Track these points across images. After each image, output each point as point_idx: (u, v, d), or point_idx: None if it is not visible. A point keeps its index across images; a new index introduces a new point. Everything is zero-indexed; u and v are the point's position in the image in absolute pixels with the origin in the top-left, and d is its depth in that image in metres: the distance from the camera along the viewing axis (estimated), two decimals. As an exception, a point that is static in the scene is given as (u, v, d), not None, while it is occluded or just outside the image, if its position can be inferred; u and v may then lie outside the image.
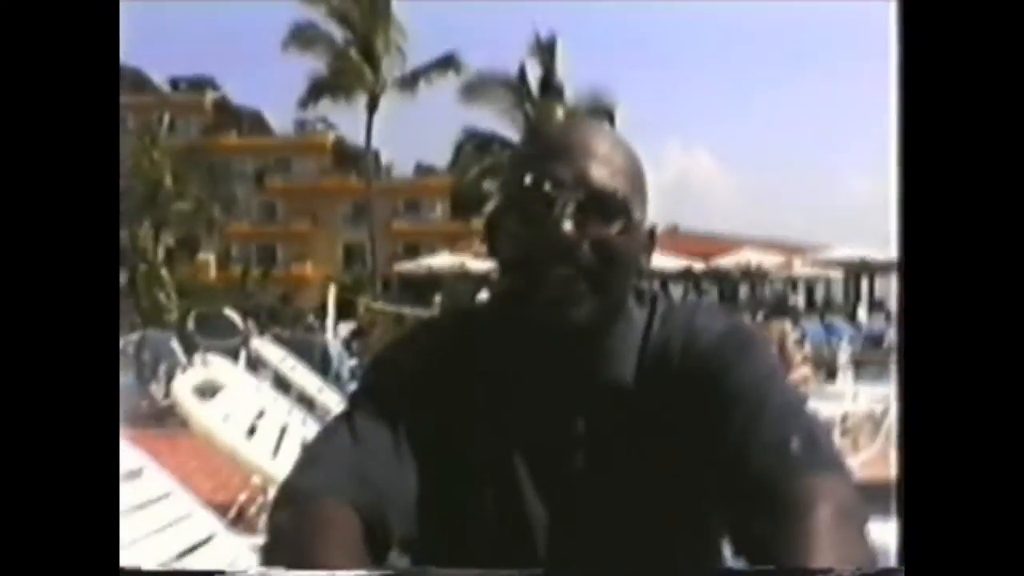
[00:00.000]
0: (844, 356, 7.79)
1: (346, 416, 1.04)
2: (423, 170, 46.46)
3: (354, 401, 1.07)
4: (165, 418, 6.77)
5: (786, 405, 1.00)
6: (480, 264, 19.26)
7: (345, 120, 40.38)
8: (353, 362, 10.54)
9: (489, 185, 29.10)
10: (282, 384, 6.68)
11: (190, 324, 11.13)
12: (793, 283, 27.32)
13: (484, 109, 31.05)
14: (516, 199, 1.01)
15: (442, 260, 23.90)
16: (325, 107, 32.03)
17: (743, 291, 27.15)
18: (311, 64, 30.41)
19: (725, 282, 25.97)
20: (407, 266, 26.41)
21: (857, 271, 23.67)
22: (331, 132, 45.34)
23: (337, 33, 30.47)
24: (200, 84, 47.20)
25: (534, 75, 31.26)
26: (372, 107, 30.34)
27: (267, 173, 45.78)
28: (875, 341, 14.44)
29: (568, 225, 0.97)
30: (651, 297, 1.12)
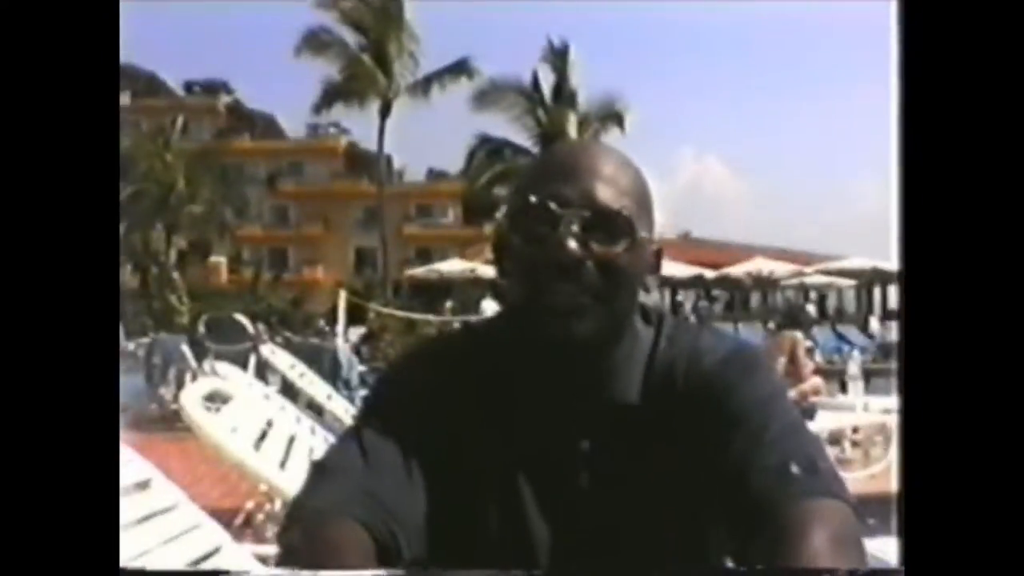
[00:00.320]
0: (855, 367, 7.76)
1: (355, 432, 1.05)
2: (435, 175, 46.58)
3: (363, 417, 1.08)
4: (174, 422, 6.79)
5: (787, 428, 1.00)
6: (491, 270, 19.30)
7: (357, 125, 40.43)
8: (363, 368, 10.58)
9: (500, 191, 29.14)
10: (291, 390, 6.72)
11: (201, 328, 11.19)
12: (805, 292, 27.26)
13: (497, 115, 31.13)
14: (522, 218, 1.03)
15: (453, 265, 23.99)
16: (338, 112, 32.20)
17: (755, 300, 27.13)
18: (324, 69, 30.54)
19: (736, 290, 25.96)
20: (418, 271, 26.51)
21: (869, 281, 23.67)
22: (343, 137, 45.49)
23: (350, 38, 30.60)
24: (214, 88, 47.48)
25: (547, 81, 31.31)
26: (385, 112, 30.44)
27: (279, 177, 45.96)
28: (887, 352, 14.41)
29: (572, 243, 0.99)
30: (657, 316, 1.13)
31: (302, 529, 0.93)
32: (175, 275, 23.58)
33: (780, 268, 20.85)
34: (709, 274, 21.73)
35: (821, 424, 5.41)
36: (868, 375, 8.32)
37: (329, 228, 44.98)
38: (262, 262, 39.98)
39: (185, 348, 10.31)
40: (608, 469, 1.06)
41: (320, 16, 30.26)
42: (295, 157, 46.60)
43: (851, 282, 24.75)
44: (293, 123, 47.38)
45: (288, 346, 10.04)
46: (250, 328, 10.32)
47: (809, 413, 5.13)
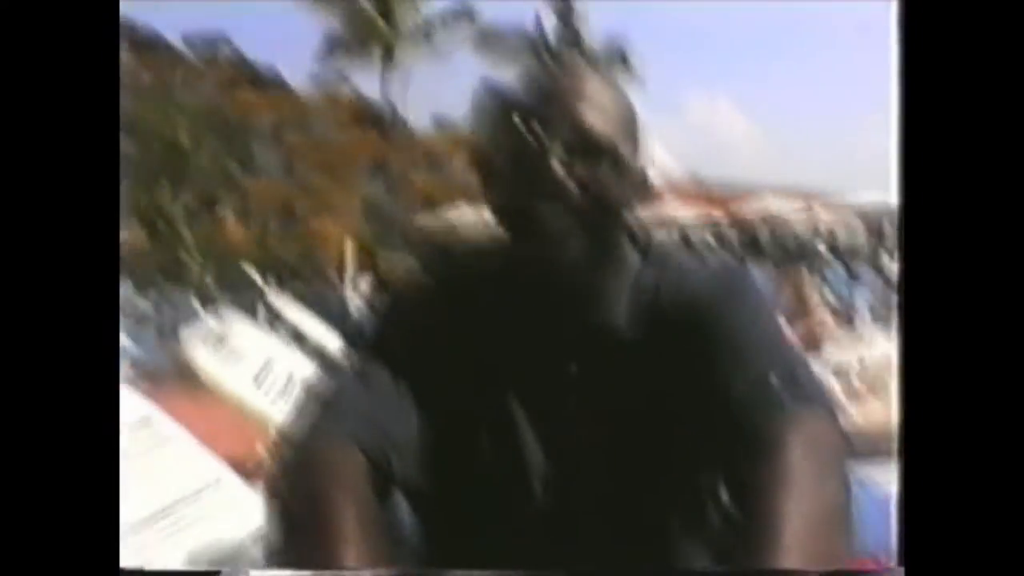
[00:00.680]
0: (863, 302, 7.74)
1: (348, 358, 1.06)
2: (440, 122, 46.29)
3: (355, 345, 1.09)
4: (186, 376, 6.85)
5: (768, 341, 1.01)
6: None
7: (362, 77, 40.08)
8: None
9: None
10: (300, 340, 6.76)
11: (209, 281, 11.23)
12: (815, 229, 27.11)
13: (500, 60, 30.74)
14: (505, 137, 1.02)
15: (461, 214, 23.88)
16: (341, 61, 31.85)
17: (764, 238, 27.01)
18: (325, 18, 30.18)
19: (746, 230, 25.84)
20: (427, 220, 26.42)
21: (880, 216, 23.47)
22: (347, 86, 45.13)
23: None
24: (214, 40, 47.01)
25: (550, 25, 30.84)
26: (387, 59, 30.13)
27: (284, 129, 45.69)
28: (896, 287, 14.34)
29: (555, 163, 0.98)
30: (645, 240, 1.13)
31: (295, 448, 0.94)
32: (183, 230, 23.60)
33: (790, 205, 20.69)
34: (717, 213, 21.57)
35: (827, 357, 5.42)
36: (877, 309, 8.32)
37: (335, 179, 44.81)
38: (269, 215, 39.92)
39: (195, 302, 10.37)
40: (597, 391, 1.06)
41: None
42: (300, 109, 46.24)
43: (862, 221, 24.59)
44: (296, 74, 47.05)
45: (296, 297, 10.08)
46: (258, 280, 10.36)
47: (815, 346, 5.14)
